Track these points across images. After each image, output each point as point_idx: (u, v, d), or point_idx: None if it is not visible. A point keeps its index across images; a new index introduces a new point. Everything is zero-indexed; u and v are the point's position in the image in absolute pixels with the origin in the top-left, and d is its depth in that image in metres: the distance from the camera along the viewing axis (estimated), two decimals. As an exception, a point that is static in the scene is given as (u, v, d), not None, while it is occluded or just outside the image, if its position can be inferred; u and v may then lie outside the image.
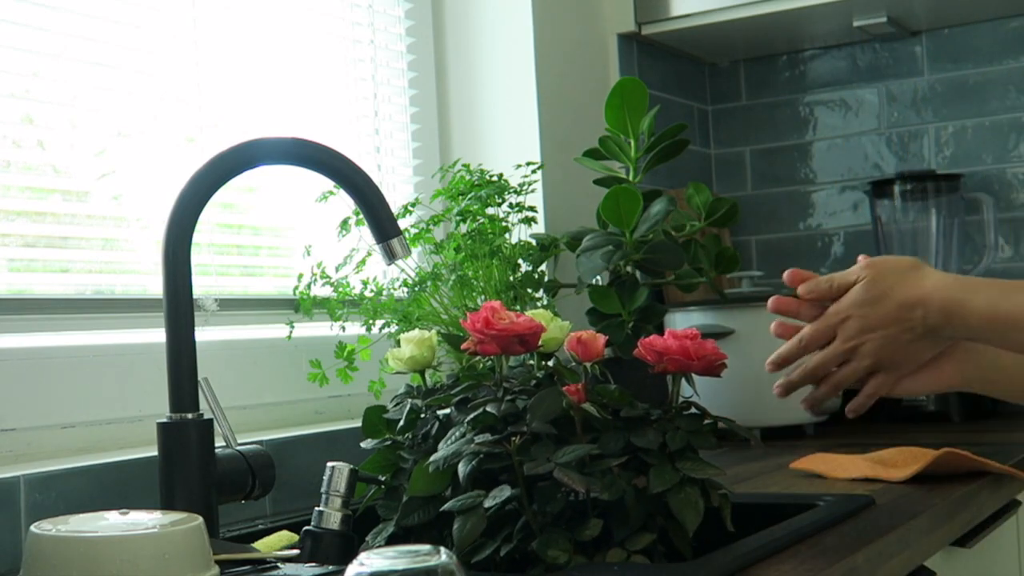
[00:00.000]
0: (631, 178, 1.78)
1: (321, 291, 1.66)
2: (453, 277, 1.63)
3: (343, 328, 1.66)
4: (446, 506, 1.06)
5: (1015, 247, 2.37)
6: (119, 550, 0.85)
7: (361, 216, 1.38)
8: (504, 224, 1.73)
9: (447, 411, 1.18)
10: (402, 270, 1.69)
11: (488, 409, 1.08)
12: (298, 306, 1.67)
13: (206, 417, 1.17)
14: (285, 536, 1.25)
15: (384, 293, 1.67)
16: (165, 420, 1.17)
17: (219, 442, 1.20)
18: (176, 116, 1.57)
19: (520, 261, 1.73)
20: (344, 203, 1.58)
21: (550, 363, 1.20)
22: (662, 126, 1.76)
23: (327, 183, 1.41)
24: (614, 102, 1.78)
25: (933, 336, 1.28)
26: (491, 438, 1.05)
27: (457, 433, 1.10)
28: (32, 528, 0.88)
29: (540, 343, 1.12)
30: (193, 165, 1.18)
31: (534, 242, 1.80)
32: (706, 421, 1.12)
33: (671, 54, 2.47)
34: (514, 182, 1.78)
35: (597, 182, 1.83)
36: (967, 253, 2.37)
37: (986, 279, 1.27)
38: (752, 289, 2.07)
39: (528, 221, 1.80)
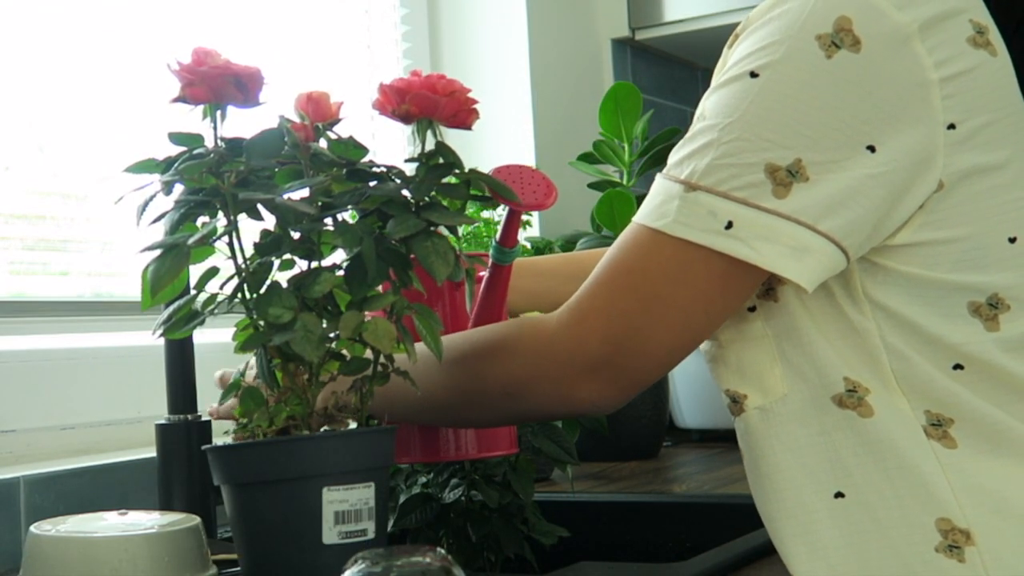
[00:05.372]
0: (625, 182, 1.80)
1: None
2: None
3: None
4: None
5: None
6: (118, 550, 0.85)
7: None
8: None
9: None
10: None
11: None
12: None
13: (204, 419, 1.18)
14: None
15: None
16: (163, 422, 1.18)
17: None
18: (177, 117, 1.58)
19: (515, 264, 1.74)
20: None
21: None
22: (656, 130, 1.77)
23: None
24: (608, 106, 1.80)
25: None
26: None
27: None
28: (32, 528, 0.88)
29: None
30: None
31: (529, 245, 1.81)
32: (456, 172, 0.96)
33: (665, 59, 2.48)
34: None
35: (591, 186, 1.84)
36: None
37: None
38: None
39: (523, 224, 1.81)
